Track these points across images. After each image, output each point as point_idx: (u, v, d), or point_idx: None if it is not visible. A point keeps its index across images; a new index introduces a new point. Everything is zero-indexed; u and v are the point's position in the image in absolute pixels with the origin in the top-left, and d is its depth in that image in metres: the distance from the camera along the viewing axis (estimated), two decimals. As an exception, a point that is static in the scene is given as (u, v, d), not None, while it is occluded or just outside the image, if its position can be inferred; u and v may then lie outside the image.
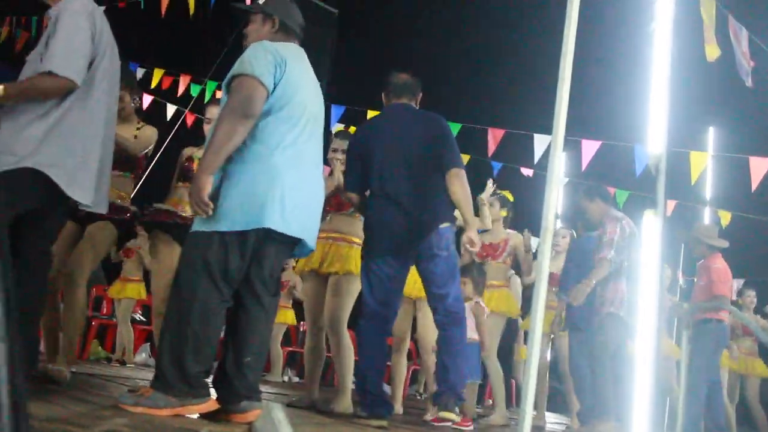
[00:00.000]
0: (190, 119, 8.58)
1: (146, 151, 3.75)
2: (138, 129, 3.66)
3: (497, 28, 12.87)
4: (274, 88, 2.61)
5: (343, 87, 10.86)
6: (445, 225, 3.54)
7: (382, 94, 3.83)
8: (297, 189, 2.62)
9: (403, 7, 13.42)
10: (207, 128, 3.93)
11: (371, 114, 7.47)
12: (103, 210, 2.90)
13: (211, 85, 8.36)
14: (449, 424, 3.64)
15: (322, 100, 2.93)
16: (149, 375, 4.41)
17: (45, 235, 2.81)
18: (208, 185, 2.52)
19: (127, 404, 2.44)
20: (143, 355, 7.48)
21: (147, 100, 8.77)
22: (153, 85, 8.62)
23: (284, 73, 2.63)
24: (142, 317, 8.16)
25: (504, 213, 5.40)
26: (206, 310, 2.50)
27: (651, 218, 1.95)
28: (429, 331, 4.51)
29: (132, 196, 3.86)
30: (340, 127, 7.75)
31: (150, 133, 3.72)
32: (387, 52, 13.93)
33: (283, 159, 2.60)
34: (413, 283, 4.19)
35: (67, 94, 2.66)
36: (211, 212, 2.53)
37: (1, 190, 2.48)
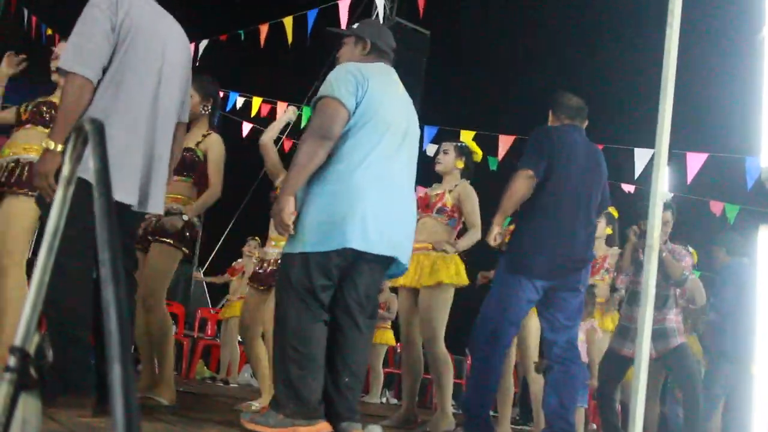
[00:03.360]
0: (287, 145, 8.84)
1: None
2: (204, 136, 3.60)
3: (592, 44, 12.57)
4: (356, 107, 2.64)
5: (436, 107, 10.91)
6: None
7: (549, 112, 3.67)
8: (382, 207, 2.61)
9: (494, 27, 13.35)
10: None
11: (464, 133, 7.45)
12: (159, 210, 2.71)
13: (307, 111, 8.59)
14: None
15: (415, 117, 2.92)
16: (252, 394, 4.53)
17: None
18: (288, 206, 2.57)
19: (245, 420, 2.56)
20: (246, 375, 7.69)
21: (246, 127, 9.13)
22: (253, 113, 8.94)
23: (366, 92, 2.65)
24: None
25: (609, 231, 5.27)
26: (301, 328, 2.53)
27: (766, 233, 1.82)
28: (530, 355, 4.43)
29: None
30: (434, 147, 7.77)
31: (214, 142, 3.59)
32: (478, 72, 13.87)
33: (366, 177, 2.59)
34: None
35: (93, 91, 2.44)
36: (292, 232, 2.59)
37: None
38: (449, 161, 4.23)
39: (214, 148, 3.58)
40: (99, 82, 2.48)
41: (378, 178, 2.62)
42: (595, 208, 3.53)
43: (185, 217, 3.42)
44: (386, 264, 2.73)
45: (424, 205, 4.19)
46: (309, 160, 2.57)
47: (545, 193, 3.37)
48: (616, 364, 4.49)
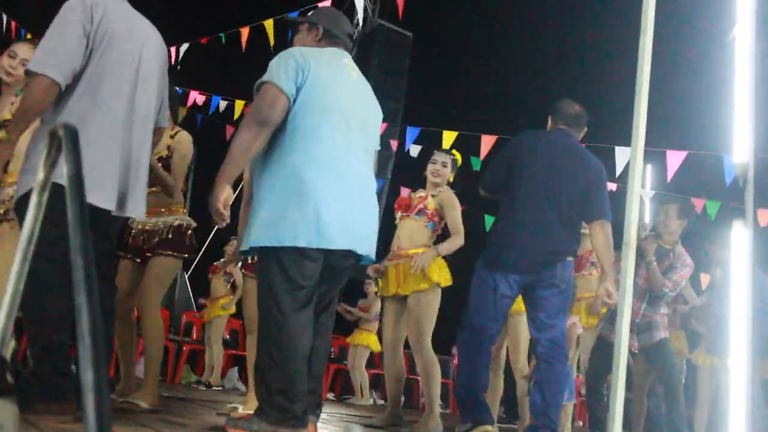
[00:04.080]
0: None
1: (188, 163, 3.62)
2: (172, 137, 3.56)
3: (572, 43, 12.66)
4: (297, 93, 2.53)
5: (419, 108, 10.92)
6: (570, 258, 3.54)
7: (549, 117, 3.74)
8: (337, 199, 2.50)
9: (476, 28, 13.40)
10: None
11: (447, 134, 7.47)
12: (140, 215, 2.70)
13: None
14: None
15: (374, 103, 2.82)
16: (238, 398, 4.52)
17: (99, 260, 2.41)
18: (222, 194, 2.48)
19: (229, 426, 2.50)
20: (233, 378, 7.67)
21: (230, 131, 9.10)
22: (236, 116, 8.90)
23: (308, 75, 2.54)
24: (229, 339, 8.36)
25: None
26: (272, 327, 2.46)
27: (739, 229, 1.85)
28: (521, 354, 4.45)
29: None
30: (416, 147, 7.80)
31: (185, 142, 3.59)
32: (460, 73, 13.91)
33: (316, 170, 2.48)
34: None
35: (69, 96, 2.46)
36: (226, 222, 2.55)
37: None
38: (447, 174, 4.27)
39: (181, 146, 3.55)
40: (75, 87, 2.47)
41: (331, 170, 2.51)
42: (577, 210, 3.50)
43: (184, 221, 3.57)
44: (348, 257, 2.61)
45: (405, 206, 4.23)
46: (246, 147, 2.47)
47: (512, 194, 3.50)
48: (606, 352, 4.51)
